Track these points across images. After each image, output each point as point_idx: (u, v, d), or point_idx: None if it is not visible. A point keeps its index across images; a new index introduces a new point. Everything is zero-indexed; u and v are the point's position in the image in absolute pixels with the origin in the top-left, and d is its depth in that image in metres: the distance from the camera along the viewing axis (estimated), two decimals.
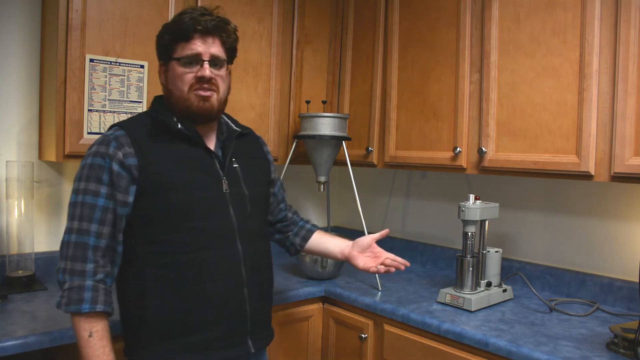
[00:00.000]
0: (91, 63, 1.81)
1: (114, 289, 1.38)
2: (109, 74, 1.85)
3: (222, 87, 1.41)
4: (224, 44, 1.41)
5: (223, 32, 1.40)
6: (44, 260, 2.02)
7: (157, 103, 1.45)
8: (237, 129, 1.53)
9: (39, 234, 2.04)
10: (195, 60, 1.36)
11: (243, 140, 1.54)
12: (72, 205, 1.30)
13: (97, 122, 1.84)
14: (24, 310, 1.65)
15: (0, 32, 1.94)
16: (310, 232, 1.73)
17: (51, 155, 1.86)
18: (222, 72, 1.40)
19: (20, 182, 1.92)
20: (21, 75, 1.99)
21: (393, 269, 1.66)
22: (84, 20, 1.78)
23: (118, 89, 1.87)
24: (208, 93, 1.38)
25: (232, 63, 1.47)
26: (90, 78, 1.81)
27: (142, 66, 1.91)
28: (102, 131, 1.84)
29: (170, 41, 1.37)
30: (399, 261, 1.66)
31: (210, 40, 1.37)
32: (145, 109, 1.92)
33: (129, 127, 1.36)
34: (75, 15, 1.77)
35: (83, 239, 1.27)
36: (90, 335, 1.24)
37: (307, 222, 1.77)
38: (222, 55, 1.40)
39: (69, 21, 1.76)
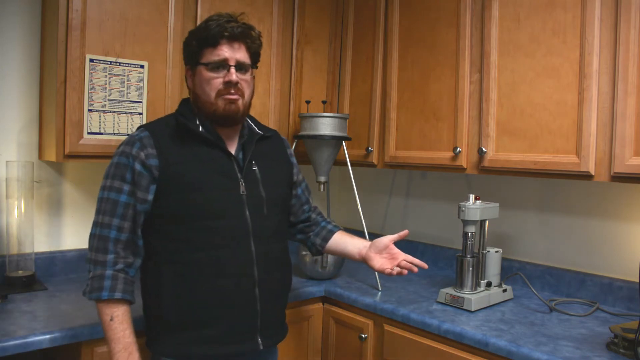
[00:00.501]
0: (91, 63, 1.81)
1: (138, 283, 1.46)
2: (109, 74, 1.85)
3: (247, 92, 1.46)
4: (248, 49, 1.46)
5: (248, 38, 1.45)
6: (44, 260, 2.02)
7: (183, 105, 1.51)
8: (260, 132, 1.56)
9: (39, 234, 2.03)
10: (222, 65, 1.41)
11: (266, 143, 1.57)
12: (99, 200, 1.39)
13: (97, 122, 1.84)
14: (24, 310, 1.65)
15: (0, 32, 1.94)
16: (330, 233, 1.73)
17: (51, 155, 1.86)
18: (247, 76, 1.45)
19: (20, 182, 1.92)
20: (21, 75, 1.99)
21: (406, 272, 1.62)
22: (84, 20, 1.78)
23: (118, 89, 1.87)
24: (235, 96, 1.42)
25: (256, 67, 1.51)
26: (90, 78, 1.81)
27: (142, 66, 1.91)
28: (102, 131, 1.85)
29: (198, 47, 1.42)
30: (416, 263, 1.62)
31: (236, 46, 1.42)
32: (145, 109, 1.93)
33: (153, 128, 1.44)
34: (75, 15, 1.77)
35: (105, 232, 1.36)
36: (111, 320, 1.33)
37: (330, 222, 1.77)
38: (247, 60, 1.45)
39: (69, 21, 1.76)
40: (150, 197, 1.38)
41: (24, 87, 2.00)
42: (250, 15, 2.20)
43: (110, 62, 1.85)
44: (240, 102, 1.44)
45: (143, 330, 1.48)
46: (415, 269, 1.62)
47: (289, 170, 1.65)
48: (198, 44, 1.42)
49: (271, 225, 1.49)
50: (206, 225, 1.38)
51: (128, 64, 1.89)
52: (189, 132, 1.43)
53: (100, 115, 1.84)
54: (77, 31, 1.77)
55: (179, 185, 1.38)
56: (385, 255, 1.66)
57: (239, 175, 1.45)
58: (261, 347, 1.45)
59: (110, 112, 1.86)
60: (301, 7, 2.38)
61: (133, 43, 1.89)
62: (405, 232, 1.67)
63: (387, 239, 1.66)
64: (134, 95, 1.91)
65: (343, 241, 1.72)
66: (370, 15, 2.34)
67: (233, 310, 1.40)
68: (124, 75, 1.88)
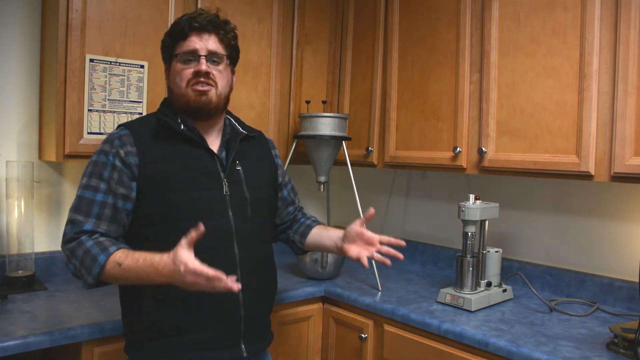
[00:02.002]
0: (91, 63, 1.81)
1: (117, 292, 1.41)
2: (109, 74, 1.85)
3: (221, 83, 1.42)
4: (221, 41, 1.43)
5: (220, 29, 1.42)
6: (44, 260, 2.02)
7: (164, 104, 1.48)
8: (243, 131, 1.52)
9: (39, 234, 2.04)
10: (193, 56, 1.39)
11: (250, 143, 1.54)
12: (75, 199, 1.35)
13: (97, 122, 1.84)
14: (24, 310, 1.65)
15: (0, 32, 1.94)
16: (308, 228, 1.66)
17: (51, 155, 1.86)
18: (221, 67, 1.42)
19: (20, 182, 1.92)
20: (21, 75, 1.99)
21: (389, 261, 1.49)
22: (84, 20, 1.79)
23: (118, 89, 1.87)
24: (205, 87, 1.39)
25: (234, 61, 1.49)
26: (90, 78, 1.81)
27: (142, 66, 1.91)
28: (102, 131, 1.85)
29: (170, 42, 1.42)
30: (393, 242, 1.51)
31: (206, 36, 1.40)
32: (145, 109, 1.93)
33: (134, 126, 1.40)
34: (75, 15, 1.77)
35: (77, 226, 1.30)
36: (120, 265, 1.24)
37: (309, 218, 1.72)
38: (220, 50, 1.42)
39: (69, 21, 1.76)
40: (133, 194, 1.33)
41: (24, 87, 2.00)
42: (250, 15, 2.20)
43: (110, 62, 1.85)
44: (212, 92, 1.40)
45: (122, 334, 1.45)
46: (400, 255, 1.48)
47: (274, 172, 1.60)
48: (170, 39, 1.41)
49: (255, 228, 1.45)
50: (188, 226, 1.30)
51: (128, 64, 1.89)
52: (170, 130, 1.39)
53: (100, 115, 1.84)
54: (77, 31, 1.77)
55: (159, 184, 1.34)
56: (359, 242, 1.53)
57: (222, 174, 1.41)
58: (245, 354, 1.41)
59: (110, 112, 1.87)
60: (301, 7, 2.38)
61: (133, 43, 1.89)
62: (371, 210, 1.52)
63: (357, 225, 1.52)
64: (134, 95, 1.91)
65: (319, 235, 1.63)
66: (370, 15, 2.34)
67: (216, 315, 1.36)
68: (124, 75, 1.88)
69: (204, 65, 1.38)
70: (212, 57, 1.40)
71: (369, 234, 1.52)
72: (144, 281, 1.24)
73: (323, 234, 1.64)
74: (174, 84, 1.42)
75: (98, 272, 1.25)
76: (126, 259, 1.25)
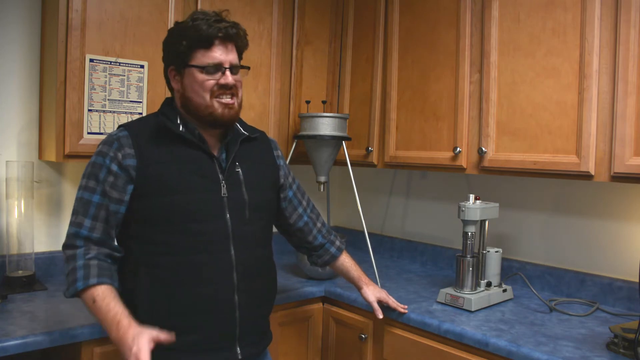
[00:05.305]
0: (91, 63, 1.81)
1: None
2: (109, 74, 1.85)
3: (240, 92, 1.44)
4: (238, 50, 1.44)
5: (239, 39, 1.42)
6: (44, 260, 2.03)
7: (166, 105, 1.47)
8: (245, 132, 1.51)
9: (39, 234, 2.04)
10: (217, 67, 1.38)
11: (252, 144, 1.53)
12: (75, 200, 1.38)
13: (97, 122, 1.84)
14: (24, 310, 1.65)
15: (0, 32, 1.94)
16: (333, 258, 1.74)
17: (51, 155, 1.86)
18: (239, 76, 1.43)
19: (20, 182, 1.92)
20: (21, 75, 1.99)
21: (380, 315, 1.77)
22: (84, 20, 1.79)
23: (118, 89, 1.87)
24: (232, 101, 1.40)
25: (248, 68, 1.50)
26: (90, 78, 1.81)
27: (142, 66, 1.91)
28: (102, 131, 1.85)
29: (188, 48, 1.37)
30: (400, 310, 1.78)
31: (229, 47, 1.40)
32: (145, 109, 1.93)
33: (133, 128, 1.40)
34: (75, 15, 1.77)
35: (75, 230, 1.34)
36: (94, 302, 1.28)
37: (333, 243, 1.75)
38: (238, 61, 1.43)
39: (69, 21, 1.76)
40: (126, 197, 1.34)
41: (24, 87, 2.00)
42: (250, 15, 2.20)
43: (110, 62, 1.85)
44: (236, 104, 1.42)
45: None
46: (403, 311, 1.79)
47: (275, 173, 1.58)
48: (189, 45, 1.36)
49: (253, 230, 1.45)
50: (184, 229, 1.34)
51: (128, 64, 1.89)
52: (169, 132, 1.39)
53: (100, 115, 1.84)
54: (77, 31, 1.77)
55: (157, 186, 1.34)
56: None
57: (220, 177, 1.41)
58: (240, 357, 1.41)
59: (110, 112, 1.87)
60: (301, 7, 2.38)
61: (133, 43, 1.89)
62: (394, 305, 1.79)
63: (371, 300, 1.76)
64: (134, 95, 1.91)
65: (341, 271, 1.79)
66: (370, 15, 2.34)
67: (211, 317, 1.35)
68: (124, 75, 1.88)
69: (230, 78, 1.38)
70: (233, 68, 1.40)
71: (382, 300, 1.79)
72: (102, 326, 1.28)
73: (344, 273, 1.79)
74: (193, 93, 1.39)
75: (72, 294, 1.30)
76: (102, 300, 1.27)
